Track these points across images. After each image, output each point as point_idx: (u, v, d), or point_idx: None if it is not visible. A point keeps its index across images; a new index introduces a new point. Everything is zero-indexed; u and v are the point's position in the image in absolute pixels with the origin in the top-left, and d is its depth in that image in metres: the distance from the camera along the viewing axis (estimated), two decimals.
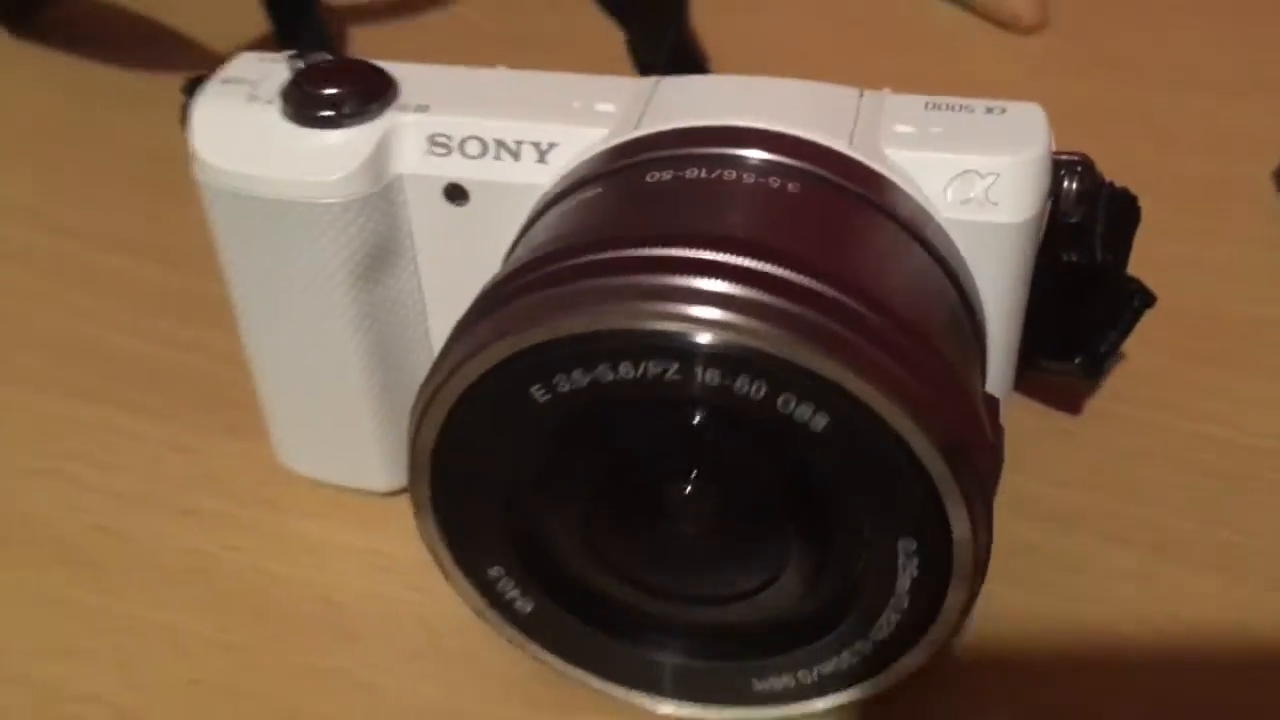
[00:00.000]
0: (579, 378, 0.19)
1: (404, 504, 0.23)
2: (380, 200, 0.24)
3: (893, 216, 0.22)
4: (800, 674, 0.23)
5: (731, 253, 0.19)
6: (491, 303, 0.20)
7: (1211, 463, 0.29)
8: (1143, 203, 0.25)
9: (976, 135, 0.23)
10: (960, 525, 0.19)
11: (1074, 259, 0.24)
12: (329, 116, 0.24)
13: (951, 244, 0.23)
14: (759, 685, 0.23)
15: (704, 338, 0.18)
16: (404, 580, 0.27)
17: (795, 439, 0.19)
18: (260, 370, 0.27)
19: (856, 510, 0.20)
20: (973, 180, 0.22)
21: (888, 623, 0.21)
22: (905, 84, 0.24)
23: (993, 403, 0.23)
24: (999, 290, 0.23)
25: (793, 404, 0.19)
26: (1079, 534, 0.28)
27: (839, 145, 0.22)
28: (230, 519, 0.29)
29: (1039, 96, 0.24)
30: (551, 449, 0.21)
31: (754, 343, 0.18)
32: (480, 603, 0.23)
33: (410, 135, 0.24)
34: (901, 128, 0.23)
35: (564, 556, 0.23)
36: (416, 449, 0.21)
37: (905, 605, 0.21)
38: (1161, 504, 0.28)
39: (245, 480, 0.30)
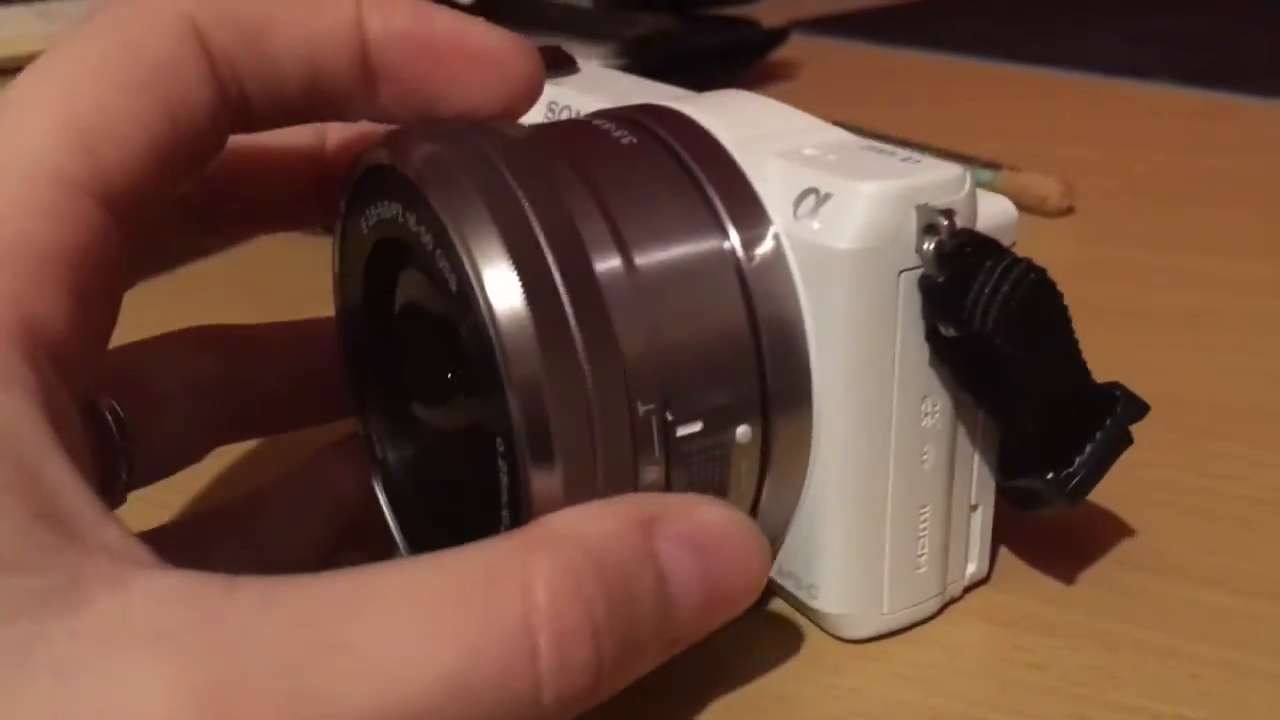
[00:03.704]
0: (371, 212, 0.23)
1: None
2: None
3: (709, 199, 0.22)
4: None
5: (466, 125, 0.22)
6: None
7: (1216, 509, 0.28)
8: None
9: (854, 167, 0.22)
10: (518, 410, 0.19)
11: (952, 334, 0.21)
12: None
13: (780, 259, 0.22)
14: None
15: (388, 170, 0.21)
16: None
17: (446, 299, 0.21)
18: None
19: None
20: (811, 199, 0.21)
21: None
22: None
23: None
24: (839, 332, 0.22)
25: (441, 260, 0.20)
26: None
27: (723, 137, 0.23)
28: None
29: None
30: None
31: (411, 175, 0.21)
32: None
33: None
34: (809, 150, 0.23)
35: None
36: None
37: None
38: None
39: None
